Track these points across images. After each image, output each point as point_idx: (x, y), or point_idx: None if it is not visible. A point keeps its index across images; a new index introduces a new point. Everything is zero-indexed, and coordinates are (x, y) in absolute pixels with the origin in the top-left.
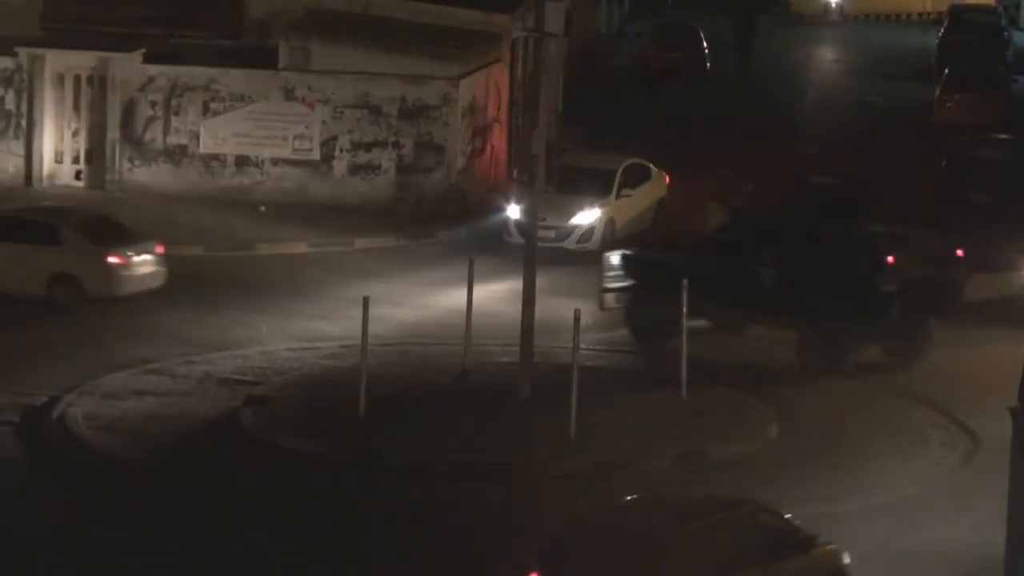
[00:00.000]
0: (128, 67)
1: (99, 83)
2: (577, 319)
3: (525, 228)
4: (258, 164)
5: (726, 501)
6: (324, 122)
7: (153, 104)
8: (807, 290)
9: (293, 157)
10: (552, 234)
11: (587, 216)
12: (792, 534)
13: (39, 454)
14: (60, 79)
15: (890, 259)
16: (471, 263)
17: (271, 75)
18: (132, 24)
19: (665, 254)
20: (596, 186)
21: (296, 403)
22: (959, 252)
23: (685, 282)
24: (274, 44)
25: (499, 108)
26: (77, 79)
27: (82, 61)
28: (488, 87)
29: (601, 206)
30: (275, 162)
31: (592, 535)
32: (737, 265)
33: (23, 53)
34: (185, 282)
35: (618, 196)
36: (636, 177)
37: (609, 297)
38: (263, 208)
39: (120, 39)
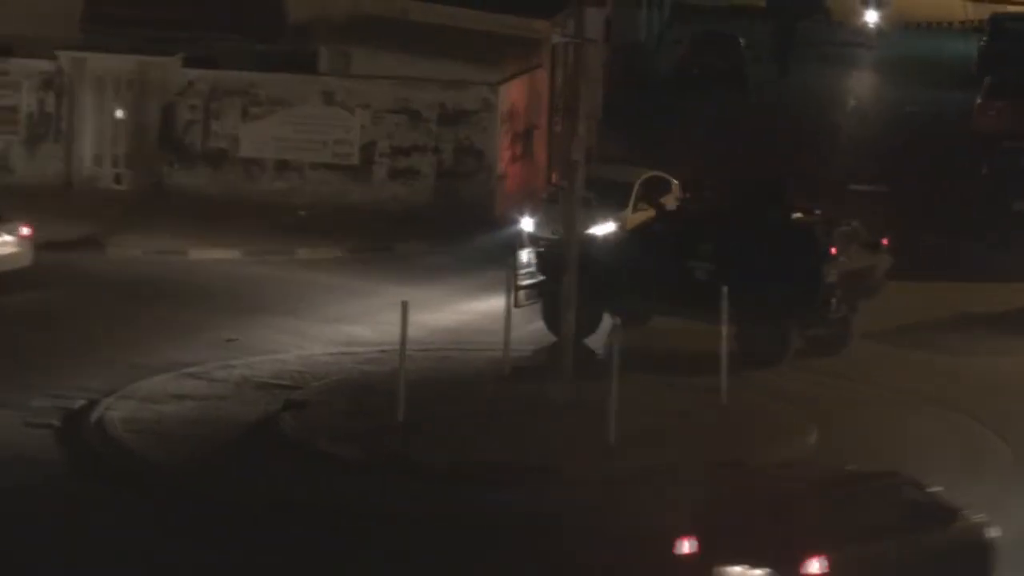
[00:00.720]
0: (168, 70)
1: (139, 86)
2: (616, 325)
3: (539, 241)
4: (297, 168)
5: (871, 474)
6: (364, 127)
7: (193, 108)
8: (746, 283)
9: (333, 162)
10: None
11: (600, 230)
12: (936, 507)
13: (79, 457)
14: (100, 82)
15: (833, 250)
16: (509, 270)
17: (311, 79)
18: (172, 27)
19: (583, 249)
20: (612, 199)
21: (335, 408)
22: (884, 241)
23: (725, 289)
24: (314, 49)
25: (539, 114)
26: (117, 82)
27: (122, 64)
28: (528, 93)
29: (616, 220)
30: (314, 167)
31: (743, 501)
32: (667, 259)
33: (63, 56)
34: (223, 284)
35: (635, 210)
36: (655, 191)
37: (522, 294)
38: (302, 212)
39: (160, 42)
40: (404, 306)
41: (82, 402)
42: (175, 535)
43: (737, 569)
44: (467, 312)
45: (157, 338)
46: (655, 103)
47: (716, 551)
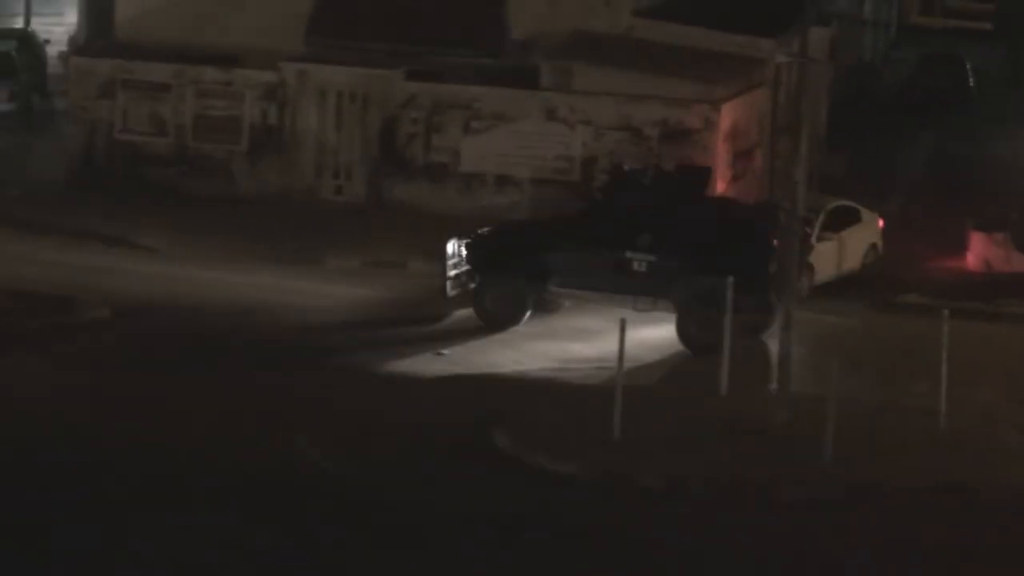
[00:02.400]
0: (390, 84)
1: (361, 99)
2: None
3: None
4: (517, 184)
5: None
6: (584, 143)
7: (414, 121)
8: (686, 273)
9: (553, 177)
10: None
11: None
12: None
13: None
14: (323, 94)
15: (776, 241)
16: (729, 286)
17: (532, 95)
18: (396, 41)
19: (512, 240)
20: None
21: (549, 422)
22: (808, 230)
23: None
24: (536, 64)
25: (760, 133)
26: (339, 94)
27: (345, 77)
28: (749, 112)
29: (800, 249)
30: (535, 182)
31: None
32: (602, 250)
33: (286, 68)
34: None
35: (818, 239)
36: (842, 220)
37: (449, 284)
38: None
39: (383, 56)
40: (623, 323)
41: None
42: (391, 547)
43: None
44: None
45: (369, 349)
46: (878, 124)
47: None
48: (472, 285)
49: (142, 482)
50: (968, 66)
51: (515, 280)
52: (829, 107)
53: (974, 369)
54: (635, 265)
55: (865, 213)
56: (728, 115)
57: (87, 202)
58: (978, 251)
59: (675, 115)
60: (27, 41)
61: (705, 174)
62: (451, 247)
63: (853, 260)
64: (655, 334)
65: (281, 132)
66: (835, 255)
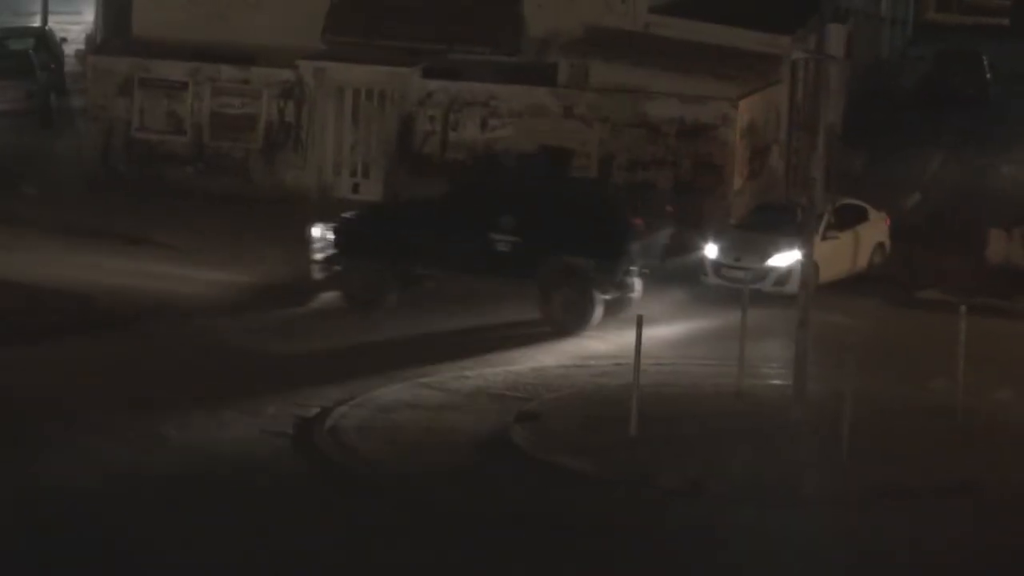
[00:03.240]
0: (408, 82)
1: (378, 97)
2: (853, 348)
3: (720, 268)
4: None
5: None
6: (602, 140)
7: (431, 119)
8: (548, 253)
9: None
10: (747, 275)
11: (785, 258)
12: None
13: (312, 465)
14: (340, 92)
15: (636, 220)
16: (745, 285)
17: (550, 92)
18: (413, 39)
19: (376, 223)
20: (798, 226)
21: (568, 420)
22: (670, 208)
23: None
24: (553, 61)
25: (778, 130)
26: (357, 92)
27: (362, 75)
28: (766, 108)
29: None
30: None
31: None
32: (466, 231)
33: (304, 66)
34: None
35: (824, 238)
36: (848, 219)
37: (316, 268)
38: None
39: (401, 53)
40: (639, 320)
41: (316, 410)
42: (413, 544)
43: None
44: (701, 325)
45: (393, 347)
46: (895, 122)
47: None
48: (338, 268)
49: None
50: (985, 62)
51: (379, 263)
52: (846, 104)
53: (992, 366)
54: (498, 246)
55: (872, 212)
56: (745, 112)
57: (103, 201)
58: (996, 247)
59: (692, 112)
60: (45, 40)
61: (567, 156)
62: (317, 231)
63: (860, 259)
64: (672, 331)
65: (298, 130)
66: (840, 254)
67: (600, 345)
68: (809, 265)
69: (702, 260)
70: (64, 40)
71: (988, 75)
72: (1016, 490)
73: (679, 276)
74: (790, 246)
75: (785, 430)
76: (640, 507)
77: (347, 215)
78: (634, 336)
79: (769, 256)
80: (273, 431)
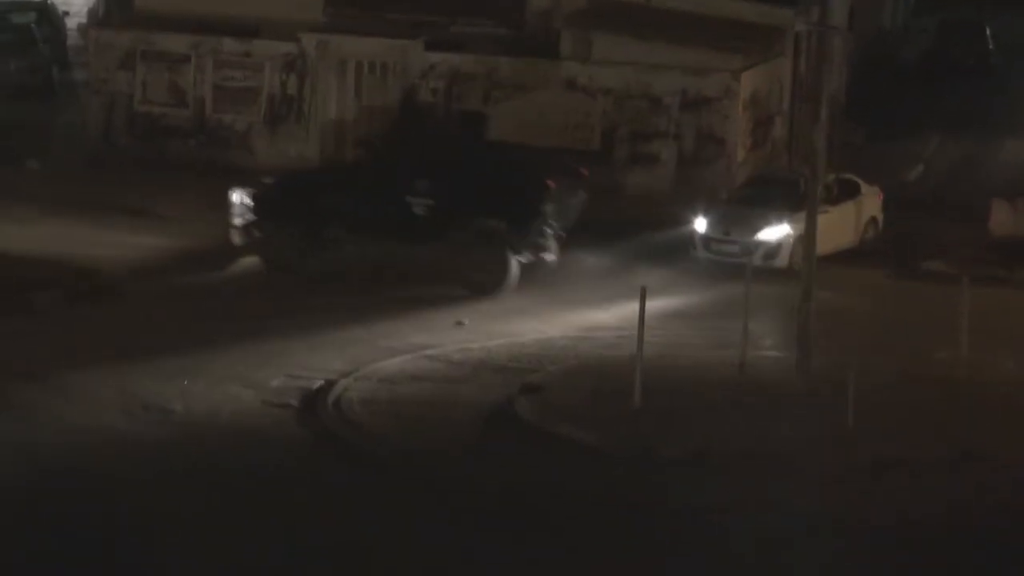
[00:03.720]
0: (410, 54)
1: (380, 70)
2: (855, 314)
3: (709, 242)
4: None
5: None
6: (605, 112)
7: (434, 92)
8: (465, 216)
9: (573, 146)
10: (736, 249)
11: (775, 232)
12: None
13: (316, 437)
14: (342, 65)
15: (550, 183)
16: (749, 258)
17: (553, 64)
18: (415, 12)
19: (294, 188)
20: (790, 200)
21: (571, 392)
22: (583, 171)
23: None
24: (556, 34)
25: (780, 102)
26: (359, 65)
27: (364, 48)
28: (769, 80)
29: (793, 221)
30: (554, 151)
31: None
32: (383, 195)
33: (306, 39)
34: None
35: None
36: (840, 193)
37: (236, 233)
38: None
39: (403, 26)
40: (643, 291)
41: (320, 382)
42: (415, 517)
43: None
44: (696, 299)
45: (397, 319)
46: (898, 93)
47: None
48: (258, 233)
49: None
50: (988, 33)
51: (297, 227)
52: (849, 76)
53: (996, 337)
54: (414, 209)
55: (865, 186)
56: (748, 84)
57: (105, 174)
58: (999, 219)
59: (695, 84)
60: (46, 13)
61: (481, 120)
62: (236, 197)
63: (851, 234)
64: (676, 302)
65: (300, 103)
66: (831, 229)
67: (604, 316)
68: (813, 236)
69: (691, 234)
70: (66, 14)
71: (991, 46)
72: (1021, 459)
73: (669, 250)
74: (780, 220)
75: (789, 402)
76: (643, 479)
77: (267, 180)
78: (637, 307)
79: (759, 230)
80: (276, 403)
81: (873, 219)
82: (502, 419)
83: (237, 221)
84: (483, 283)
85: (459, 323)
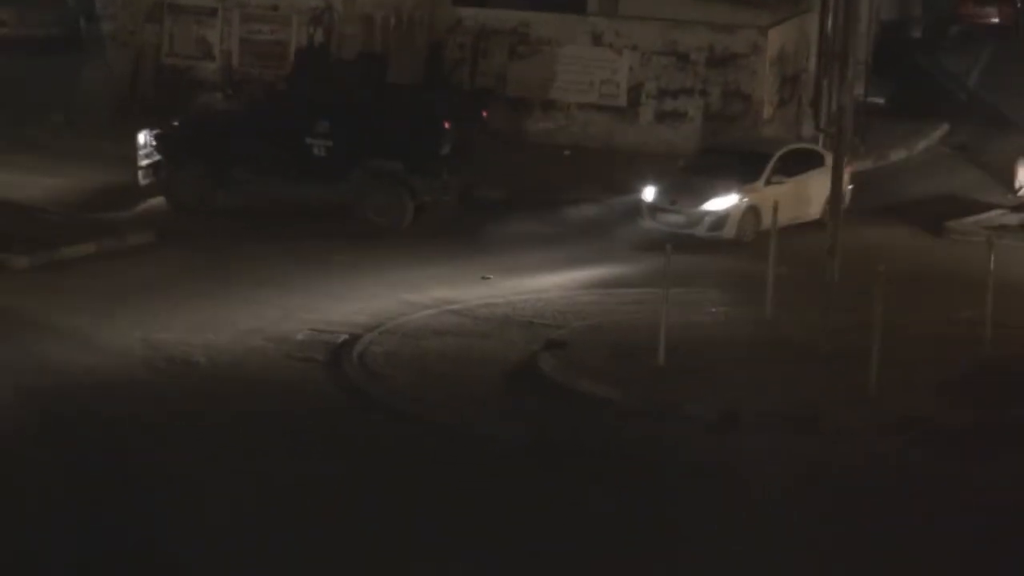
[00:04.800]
0: (437, 9)
1: (407, 24)
2: (880, 273)
3: (656, 211)
4: (563, 109)
5: None
6: (631, 68)
7: (461, 47)
8: (364, 158)
9: (599, 103)
10: (682, 219)
11: (722, 202)
12: None
13: (341, 392)
14: (369, 20)
15: (447, 124)
16: (775, 209)
17: (579, 20)
18: None
19: (198, 129)
20: (743, 171)
21: (596, 349)
22: (484, 113)
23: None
24: None
25: (808, 59)
26: (386, 19)
27: (391, 1)
28: (797, 37)
29: (742, 192)
30: (581, 107)
31: None
32: (284, 137)
33: None
34: (489, 227)
35: (768, 183)
36: (799, 164)
37: (141, 173)
38: (567, 152)
39: None
40: (668, 250)
41: (345, 336)
42: (429, 464)
43: None
44: (729, 255)
45: (423, 275)
46: (925, 52)
47: None
48: (163, 174)
49: None
50: None
51: (201, 168)
52: (877, 33)
53: (1021, 297)
54: (314, 151)
55: (829, 158)
56: (775, 40)
57: (130, 127)
58: None
59: (722, 40)
60: None
61: (382, 61)
62: (142, 137)
63: (810, 207)
64: (699, 260)
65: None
66: (786, 200)
67: (630, 271)
68: (839, 191)
69: (639, 202)
70: None
71: (1020, 4)
72: None
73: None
74: (727, 190)
75: (813, 360)
76: (666, 436)
77: (173, 121)
78: (662, 264)
79: (706, 200)
80: (301, 357)
81: None
82: (525, 375)
83: (143, 161)
84: (380, 224)
85: (484, 278)
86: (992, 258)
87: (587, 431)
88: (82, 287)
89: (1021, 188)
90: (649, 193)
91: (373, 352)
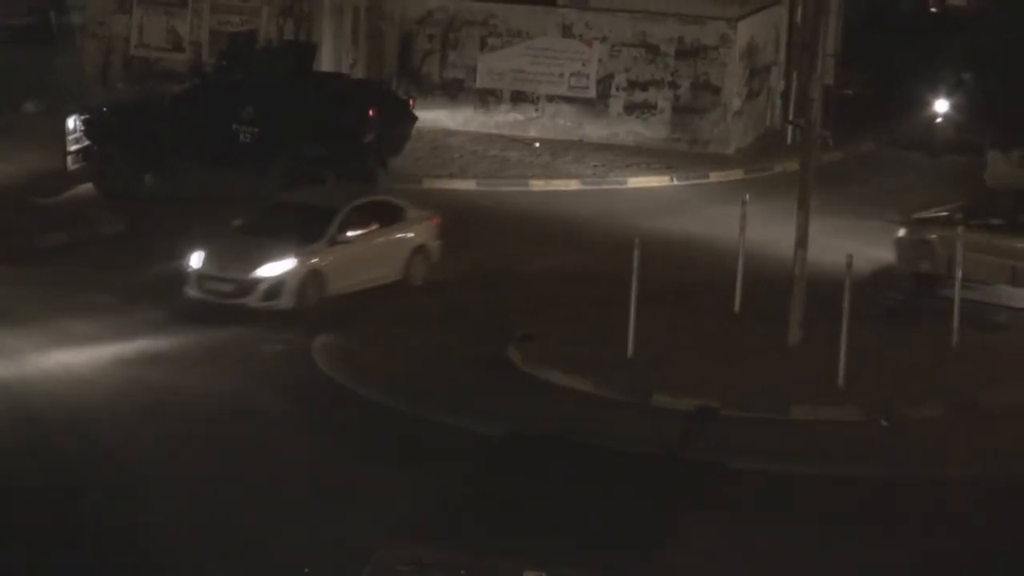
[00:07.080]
0: (407, 0)
1: (378, 15)
2: (849, 264)
3: (203, 280)
4: (533, 100)
5: None
6: (601, 60)
7: (431, 38)
8: (290, 144)
9: (569, 94)
10: (230, 288)
11: (277, 267)
12: None
13: (314, 380)
14: (339, 10)
15: (371, 111)
16: (743, 202)
17: (549, 12)
18: None
19: (127, 115)
20: (303, 230)
21: (566, 339)
22: (411, 100)
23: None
24: None
25: (777, 51)
26: (356, 11)
27: None
28: (767, 29)
29: (302, 255)
30: (551, 99)
31: None
32: (211, 123)
33: None
34: (459, 212)
35: (333, 242)
36: (372, 219)
37: (70, 159)
38: (537, 144)
39: None
40: (637, 241)
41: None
42: (402, 458)
43: None
44: (706, 246)
45: None
46: (896, 43)
47: None
48: (92, 160)
49: None
50: None
51: (131, 153)
52: (846, 25)
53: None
54: (241, 136)
55: (412, 211)
56: (745, 32)
57: None
58: (994, 170)
59: (691, 32)
60: None
61: (310, 49)
62: (71, 123)
63: (388, 267)
64: (669, 251)
65: None
66: (353, 262)
67: (598, 265)
68: (808, 182)
69: (186, 272)
70: None
71: None
72: (1010, 407)
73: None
74: (284, 253)
75: (781, 352)
76: (635, 426)
77: (101, 107)
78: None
79: (259, 265)
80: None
81: (422, 248)
82: (498, 365)
83: (72, 147)
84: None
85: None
86: (960, 248)
87: (554, 421)
88: None
89: (989, 179)
90: (196, 259)
91: (337, 344)
